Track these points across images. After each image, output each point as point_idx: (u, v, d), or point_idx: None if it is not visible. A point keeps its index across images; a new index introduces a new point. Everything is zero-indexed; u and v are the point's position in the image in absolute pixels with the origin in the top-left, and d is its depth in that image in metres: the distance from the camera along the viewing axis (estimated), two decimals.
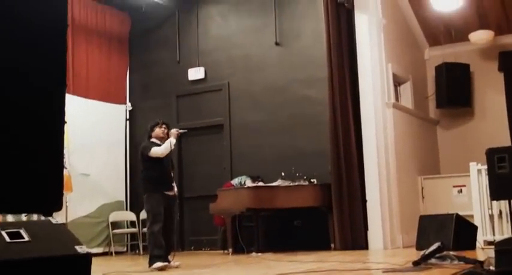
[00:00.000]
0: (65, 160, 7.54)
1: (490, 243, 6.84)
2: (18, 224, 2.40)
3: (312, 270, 4.87)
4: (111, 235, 9.16)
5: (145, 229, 6.84)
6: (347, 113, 7.90)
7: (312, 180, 8.09)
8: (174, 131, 6.27)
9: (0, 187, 1.88)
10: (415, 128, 8.91)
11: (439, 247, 4.76)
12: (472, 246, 6.46)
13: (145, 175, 6.24)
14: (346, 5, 7.93)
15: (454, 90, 9.22)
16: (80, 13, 9.48)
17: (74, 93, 8.94)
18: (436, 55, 9.70)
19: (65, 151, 7.27)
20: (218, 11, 9.82)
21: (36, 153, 2.00)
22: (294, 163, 8.37)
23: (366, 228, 7.60)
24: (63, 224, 2.70)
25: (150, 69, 10.25)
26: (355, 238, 7.65)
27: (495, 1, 8.75)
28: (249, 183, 8.25)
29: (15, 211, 2.66)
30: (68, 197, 8.16)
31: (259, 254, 7.51)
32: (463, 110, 9.49)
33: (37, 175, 2.01)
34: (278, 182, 8.08)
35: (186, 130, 6.65)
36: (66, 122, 2.19)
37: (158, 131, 6.32)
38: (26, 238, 2.30)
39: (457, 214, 6.55)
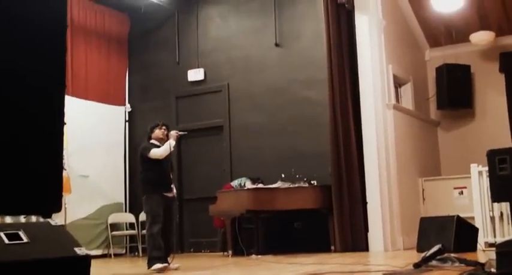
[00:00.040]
0: (63, 161, 7.52)
1: (491, 245, 6.80)
2: (17, 225, 2.39)
3: (312, 272, 4.85)
4: (110, 236, 9.13)
5: (144, 231, 6.81)
6: (347, 114, 7.88)
7: (312, 182, 8.07)
8: (173, 133, 6.25)
9: None
10: (416, 130, 8.89)
11: (439, 249, 4.75)
12: (473, 248, 6.44)
13: (144, 176, 6.23)
14: (346, 5, 7.92)
15: (454, 91, 9.20)
16: (79, 14, 9.46)
17: (73, 94, 8.92)
18: (436, 56, 9.68)
19: (64, 153, 7.25)
20: (218, 12, 9.81)
21: (35, 154, 2.00)
22: (294, 165, 8.34)
23: (367, 230, 7.59)
24: (62, 225, 2.69)
25: (149, 71, 10.22)
26: (356, 240, 7.63)
27: (496, 2, 8.74)
28: (248, 185, 8.22)
29: (14, 213, 2.65)
30: (67, 199, 8.12)
31: (259, 256, 7.48)
32: (463, 111, 9.47)
33: (36, 176, 2.00)
34: (278, 184, 8.05)
35: (185, 132, 6.66)
36: (65, 124, 2.18)
37: (158, 132, 6.31)
38: (25, 240, 2.29)
39: (458, 216, 6.54)
